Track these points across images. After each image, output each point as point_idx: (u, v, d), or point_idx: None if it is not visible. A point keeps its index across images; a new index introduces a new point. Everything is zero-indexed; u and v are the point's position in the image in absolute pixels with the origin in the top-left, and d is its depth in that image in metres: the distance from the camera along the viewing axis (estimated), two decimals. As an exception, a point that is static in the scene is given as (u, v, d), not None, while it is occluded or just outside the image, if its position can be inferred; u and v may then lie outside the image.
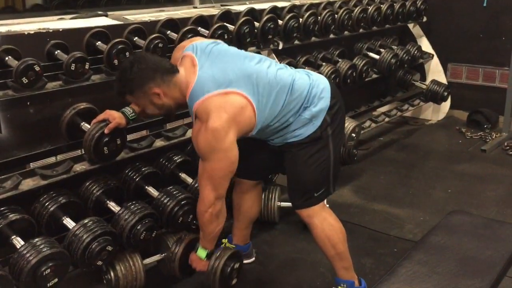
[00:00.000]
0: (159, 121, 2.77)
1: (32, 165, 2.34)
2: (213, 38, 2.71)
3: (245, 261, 2.69)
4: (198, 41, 2.19)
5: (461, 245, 2.02)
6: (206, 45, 2.12)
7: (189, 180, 2.65)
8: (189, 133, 2.79)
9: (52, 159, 2.40)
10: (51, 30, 2.43)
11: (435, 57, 4.92)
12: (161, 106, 2.10)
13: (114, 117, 2.23)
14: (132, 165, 2.53)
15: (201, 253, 2.27)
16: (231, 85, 1.98)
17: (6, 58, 2.19)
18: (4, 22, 2.65)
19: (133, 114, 2.25)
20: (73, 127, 2.33)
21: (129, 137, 2.49)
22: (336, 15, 3.74)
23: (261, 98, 2.02)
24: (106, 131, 2.21)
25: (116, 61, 2.42)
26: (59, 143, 2.39)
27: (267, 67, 2.10)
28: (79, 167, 2.32)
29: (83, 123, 2.32)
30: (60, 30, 2.48)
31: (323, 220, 2.22)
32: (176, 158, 2.68)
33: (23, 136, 2.34)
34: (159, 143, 2.65)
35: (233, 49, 2.20)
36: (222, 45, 2.18)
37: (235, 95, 1.98)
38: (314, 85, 2.14)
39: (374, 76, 4.15)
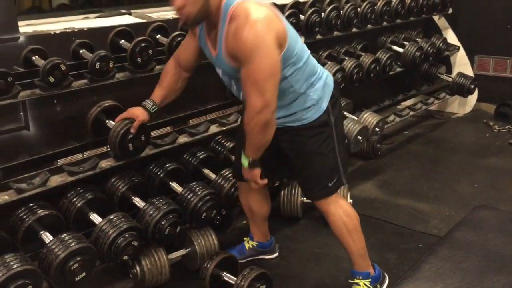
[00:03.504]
0: (183, 117, 2.80)
1: (60, 162, 2.40)
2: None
3: (268, 257, 2.71)
4: None
5: (486, 241, 1.99)
6: None
7: (212, 175, 2.67)
8: (212, 129, 2.81)
9: (78, 156, 2.45)
10: (76, 30, 2.48)
11: (461, 49, 4.83)
12: None
13: (137, 115, 2.27)
14: (156, 161, 2.57)
15: (244, 160, 2.14)
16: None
17: (33, 58, 2.25)
18: (31, 22, 2.71)
19: (154, 106, 2.29)
20: (99, 124, 2.38)
21: (153, 133, 2.53)
22: (358, 9, 3.71)
23: (292, 40, 2.02)
24: (132, 130, 2.26)
25: (139, 59, 2.45)
26: (85, 140, 2.44)
27: None
28: (105, 164, 2.37)
29: (108, 120, 2.37)
30: (85, 29, 2.53)
31: (339, 207, 2.25)
32: (199, 154, 2.71)
33: (50, 134, 2.39)
34: (182, 139, 2.68)
35: None
36: None
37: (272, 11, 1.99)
38: (321, 71, 2.22)
39: (398, 69, 4.10)
